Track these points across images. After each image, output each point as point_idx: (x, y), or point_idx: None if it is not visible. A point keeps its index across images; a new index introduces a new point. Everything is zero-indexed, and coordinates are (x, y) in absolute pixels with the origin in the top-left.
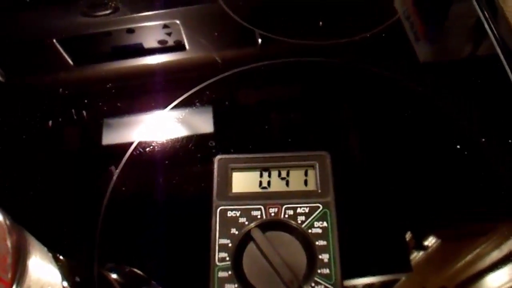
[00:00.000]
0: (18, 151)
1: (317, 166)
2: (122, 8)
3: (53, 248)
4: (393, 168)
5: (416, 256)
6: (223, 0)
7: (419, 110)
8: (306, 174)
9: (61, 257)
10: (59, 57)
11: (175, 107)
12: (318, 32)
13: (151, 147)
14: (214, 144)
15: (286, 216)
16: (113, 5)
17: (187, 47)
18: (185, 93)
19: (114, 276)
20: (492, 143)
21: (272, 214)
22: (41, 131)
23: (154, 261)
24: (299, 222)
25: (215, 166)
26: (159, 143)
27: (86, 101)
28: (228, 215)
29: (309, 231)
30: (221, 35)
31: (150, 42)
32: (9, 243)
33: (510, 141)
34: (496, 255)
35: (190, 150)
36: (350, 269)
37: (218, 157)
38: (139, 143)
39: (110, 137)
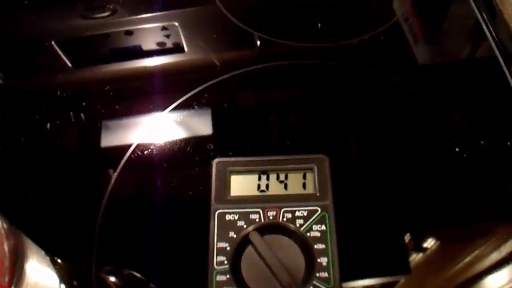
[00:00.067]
0: (16, 153)
1: (316, 169)
2: (120, 10)
3: (51, 251)
4: (392, 170)
5: (415, 258)
6: (222, 3)
7: (417, 112)
8: (304, 177)
9: (59, 261)
10: (57, 59)
11: (174, 109)
12: (316, 34)
13: (150, 149)
14: (212, 147)
15: (285, 219)
16: (111, 7)
17: (185, 49)
18: (183, 96)
19: (112, 279)
20: (491, 145)
21: (271, 218)
22: (39, 133)
23: (152, 264)
24: (298, 225)
25: (213, 169)
26: (158, 145)
27: (84, 103)
28: (226, 218)
29: (308, 234)
30: (219, 37)
31: (149, 44)
32: (6, 247)
33: (509, 143)
34: (495, 256)
35: (188, 153)
36: (349, 272)
37: (216, 160)
38: (138, 146)
39: (109, 140)
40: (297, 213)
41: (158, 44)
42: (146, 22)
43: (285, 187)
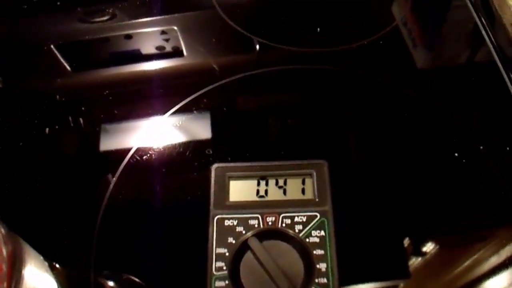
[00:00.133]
0: (15, 157)
1: (315, 175)
2: (119, 14)
3: (49, 256)
4: (391, 175)
5: (414, 262)
6: (221, 7)
7: (416, 117)
8: (303, 183)
9: (57, 266)
10: (57, 63)
11: (173, 114)
12: (316, 39)
13: (149, 154)
14: (211, 152)
15: (284, 225)
16: (110, 11)
17: (185, 53)
18: (182, 100)
19: (111, 284)
20: (489, 150)
21: (270, 223)
22: (38, 137)
23: (151, 269)
24: (297, 231)
25: (212, 174)
26: (157, 150)
27: (84, 107)
28: (225, 224)
29: (307, 240)
30: (219, 42)
31: (148, 48)
32: (4, 252)
33: (508, 148)
34: (494, 261)
35: (187, 158)
36: (348, 278)
37: (215, 165)
38: (137, 150)
39: (108, 144)
40: (296, 219)
41: (157, 48)
42: (146, 26)
43: (284, 192)
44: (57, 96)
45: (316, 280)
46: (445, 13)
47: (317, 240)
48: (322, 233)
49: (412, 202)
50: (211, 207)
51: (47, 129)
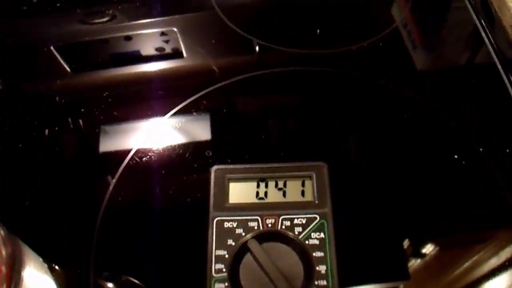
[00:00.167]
0: (14, 159)
1: (314, 177)
2: (119, 15)
3: (49, 258)
4: (391, 177)
5: (414, 264)
6: (221, 9)
7: (416, 119)
8: (303, 185)
9: (56, 267)
10: (56, 64)
11: (172, 115)
12: (316, 41)
13: (148, 155)
14: (211, 153)
15: (283, 227)
16: (110, 12)
17: (184, 55)
18: (182, 102)
19: (110, 285)
20: (489, 152)
21: (269, 225)
22: (38, 138)
23: (150, 271)
24: (296, 233)
25: (212, 176)
26: (156, 151)
27: (83, 108)
28: (225, 226)
29: (306, 242)
30: (218, 43)
31: (148, 49)
32: (3, 253)
33: (507, 150)
34: (494, 262)
35: (187, 160)
36: (348, 280)
37: (215, 167)
38: (136, 152)
39: (108, 145)
40: (295, 221)
41: (157, 49)
42: (145, 27)
43: (284, 194)
44: (57, 97)
45: (316, 282)
46: (444, 14)
47: (316, 242)
48: (322, 235)
49: (411, 203)
50: (211, 209)
51: (46, 131)
